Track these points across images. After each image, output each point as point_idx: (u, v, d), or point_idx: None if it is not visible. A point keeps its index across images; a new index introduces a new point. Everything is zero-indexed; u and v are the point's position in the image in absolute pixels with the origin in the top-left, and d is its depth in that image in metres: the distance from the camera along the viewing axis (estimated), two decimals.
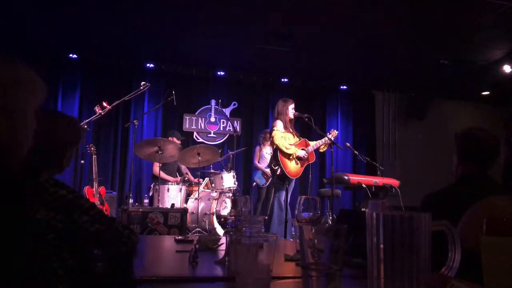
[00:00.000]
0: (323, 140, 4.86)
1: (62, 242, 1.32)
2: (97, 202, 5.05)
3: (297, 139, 4.89)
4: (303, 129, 6.36)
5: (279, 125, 4.78)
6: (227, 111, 7.62)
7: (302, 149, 4.78)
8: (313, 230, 0.74)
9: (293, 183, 5.01)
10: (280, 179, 4.77)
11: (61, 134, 1.58)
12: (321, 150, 5.07)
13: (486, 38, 5.78)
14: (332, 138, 4.84)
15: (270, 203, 4.89)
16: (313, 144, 4.86)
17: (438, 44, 6.00)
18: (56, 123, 1.57)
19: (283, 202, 4.76)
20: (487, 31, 5.52)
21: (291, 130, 4.84)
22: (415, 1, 4.84)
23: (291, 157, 4.70)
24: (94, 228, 1.38)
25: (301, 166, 4.80)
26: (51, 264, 1.28)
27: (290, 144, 4.73)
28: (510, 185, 1.43)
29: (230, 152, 5.99)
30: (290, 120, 4.83)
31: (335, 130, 5.08)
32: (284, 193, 4.77)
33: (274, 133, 4.73)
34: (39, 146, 1.45)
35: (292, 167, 4.73)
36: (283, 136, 4.71)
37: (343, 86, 8.25)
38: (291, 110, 4.81)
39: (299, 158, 4.74)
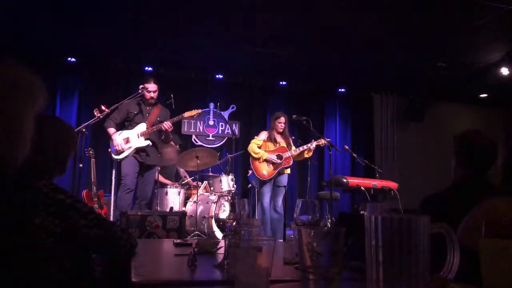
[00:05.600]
0: (304, 146, 5.28)
1: (61, 247, 1.31)
2: (96, 206, 5.03)
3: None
4: (302, 132, 6.37)
5: (261, 135, 5.43)
6: (225, 114, 7.62)
7: (278, 155, 5.23)
8: (312, 233, 0.74)
9: (281, 184, 5.27)
10: (258, 182, 5.30)
11: (65, 139, 1.58)
12: (306, 155, 5.37)
13: (484, 41, 5.80)
14: (315, 146, 5.27)
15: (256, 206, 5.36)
16: (291, 150, 5.28)
17: (436, 47, 6.02)
18: (56, 127, 1.57)
19: (265, 204, 5.20)
20: (484, 33, 5.55)
21: (277, 140, 5.33)
22: (413, 4, 4.86)
23: (260, 161, 5.20)
24: (93, 232, 1.38)
25: (274, 169, 5.23)
26: (50, 268, 1.28)
27: (266, 151, 5.25)
28: (509, 188, 1.43)
29: (229, 155, 5.99)
30: (278, 132, 5.36)
31: (324, 139, 5.28)
32: (266, 195, 5.21)
33: (251, 141, 5.38)
34: (41, 151, 1.45)
35: (263, 169, 5.22)
36: (259, 144, 5.29)
37: (341, 89, 8.26)
38: (278, 125, 5.34)
39: (267, 161, 5.21)
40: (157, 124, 4.82)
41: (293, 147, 5.33)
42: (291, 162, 5.31)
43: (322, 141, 5.25)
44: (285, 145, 5.33)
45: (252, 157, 5.28)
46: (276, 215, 5.24)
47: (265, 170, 5.22)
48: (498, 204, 1.30)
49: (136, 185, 4.79)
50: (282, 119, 5.33)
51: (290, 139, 5.43)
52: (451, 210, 1.43)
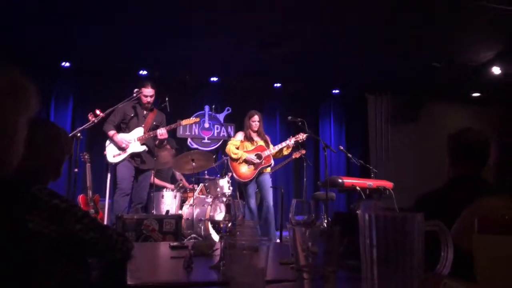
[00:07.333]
0: (283, 143, 5.28)
1: (57, 251, 1.31)
2: (92, 211, 5.01)
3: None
4: (297, 133, 6.38)
5: (237, 135, 5.39)
6: (221, 116, 7.62)
7: (257, 154, 5.16)
8: (307, 233, 0.74)
9: (265, 186, 5.20)
10: (241, 184, 5.26)
11: (60, 144, 1.58)
12: (285, 152, 5.35)
13: (475, 40, 5.84)
14: (294, 141, 5.25)
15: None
16: (270, 148, 5.25)
17: (429, 47, 6.05)
18: (50, 132, 1.57)
19: (252, 206, 5.13)
20: (476, 33, 5.58)
21: (254, 139, 5.26)
22: (405, 6, 4.89)
23: (239, 161, 5.14)
24: (88, 236, 1.38)
25: (255, 168, 5.17)
26: (46, 273, 1.27)
27: (245, 151, 5.18)
28: (502, 185, 1.44)
29: (225, 158, 5.98)
30: (254, 131, 5.29)
31: (303, 134, 5.29)
32: (251, 197, 5.16)
33: (228, 143, 5.32)
34: (35, 156, 1.45)
35: (243, 170, 5.17)
36: (236, 145, 5.21)
37: (335, 90, 8.29)
38: (252, 123, 5.26)
39: (246, 161, 5.14)
40: (153, 128, 4.83)
41: (271, 145, 5.31)
42: (271, 161, 5.26)
43: (300, 137, 5.25)
44: (263, 144, 5.27)
45: (231, 158, 5.20)
46: (269, 218, 5.14)
47: (245, 171, 5.15)
48: (491, 203, 1.31)
49: (131, 188, 4.79)
50: (256, 118, 5.26)
51: (267, 137, 5.39)
52: (445, 209, 1.44)
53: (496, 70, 6.58)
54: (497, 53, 6.25)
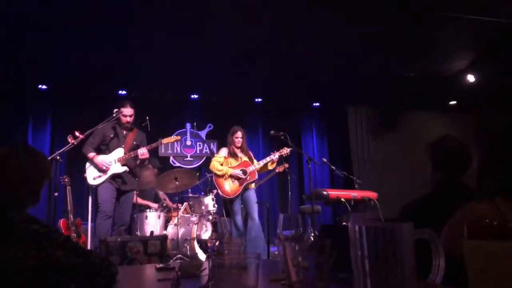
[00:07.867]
0: (267, 158, 5.26)
1: (38, 279, 1.26)
2: (74, 235, 4.88)
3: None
4: (280, 147, 6.42)
5: (221, 152, 5.31)
6: (202, 133, 7.60)
7: (242, 170, 5.12)
8: (297, 248, 0.73)
9: (251, 202, 5.14)
10: (226, 201, 5.19)
11: (39, 167, 1.54)
12: (270, 167, 5.35)
13: (448, 50, 6.00)
14: (278, 155, 5.24)
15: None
16: (255, 163, 5.22)
17: (404, 57, 6.18)
18: (28, 156, 1.53)
19: (238, 223, 5.07)
20: (448, 43, 5.74)
21: (238, 155, 5.22)
22: (378, 20, 5.00)
23: (224, 178, 5.09)
24: (71, 262, 1.33)
25: (240, 185, 5.11)
26: None
27: (230, 167, 5.12)
28: (486, 191, 1.46)
29: (208, 175, 5.93)
30: (237, 147, 5.23)
31: (287, 148, 5.28)
32: (238, 213, 5.11)
33: (212, 159, 5.27)
34: (13, 182, 1.40)
35: (228, 187, 5.10)
36: (220, 161, 5.15)
37: (315, 103, 8.38)
38: (235, 140, 5.22)
39: (232, 177, 5.08)
40: (134, 148, 4.77)
41: (255, 161, 5.30)
42: (256, 176, 5.22)
43: (284, 151, 5.25)
44: (247, 160, 5.24)
45: (216, 175, 5.12)
46: (258, 233, 5.08)
47: (230, 187, 5.09)
48: (480, 208, 1.32)
49: (114, 211, 4.70)
50: (239, 134, 5.23)
51: (250, 153, 5.37)
52: (430, 216, 1.45)
53: (470, 78, 6.76)
54: (470, 62, 6.43)
